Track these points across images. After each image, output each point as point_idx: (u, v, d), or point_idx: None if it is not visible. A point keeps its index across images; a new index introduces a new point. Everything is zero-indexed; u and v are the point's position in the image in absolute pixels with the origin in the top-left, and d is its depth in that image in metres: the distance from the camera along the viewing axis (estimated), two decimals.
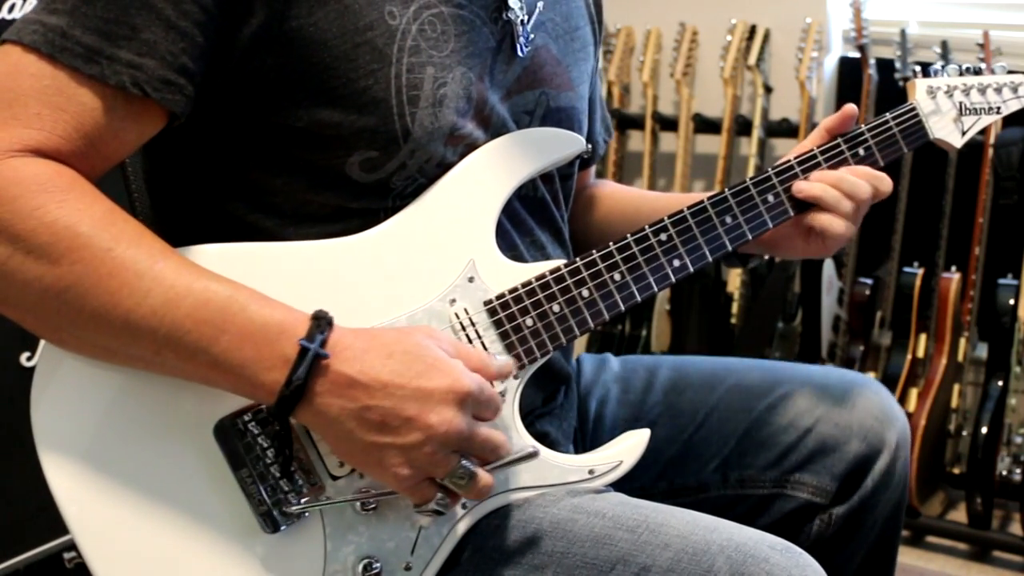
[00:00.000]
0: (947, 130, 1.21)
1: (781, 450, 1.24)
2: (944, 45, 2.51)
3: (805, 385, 1.25)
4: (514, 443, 1.00)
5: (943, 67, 1.23)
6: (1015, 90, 1.24)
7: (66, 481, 0.93)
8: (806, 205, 1.15)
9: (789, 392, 1.25)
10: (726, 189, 1.12)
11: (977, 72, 1.24)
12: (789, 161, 1.15)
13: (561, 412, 1.20)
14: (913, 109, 1.20)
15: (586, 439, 1.27)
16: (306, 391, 0.88)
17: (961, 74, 1.23)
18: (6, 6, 1.62)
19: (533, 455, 0.97)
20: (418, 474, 0.91)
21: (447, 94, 1.01)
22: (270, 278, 0.95)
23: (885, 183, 1.16)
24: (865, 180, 1.14)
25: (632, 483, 1.08)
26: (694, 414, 1.27)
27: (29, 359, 1.66)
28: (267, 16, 0.94)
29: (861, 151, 1.17)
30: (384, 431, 0.89)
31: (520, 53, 1.09)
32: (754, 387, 1.27)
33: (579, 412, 1.28)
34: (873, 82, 2.61)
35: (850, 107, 1.16)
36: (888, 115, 1.19)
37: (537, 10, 1.11)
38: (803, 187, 1.13)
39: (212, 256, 0.95)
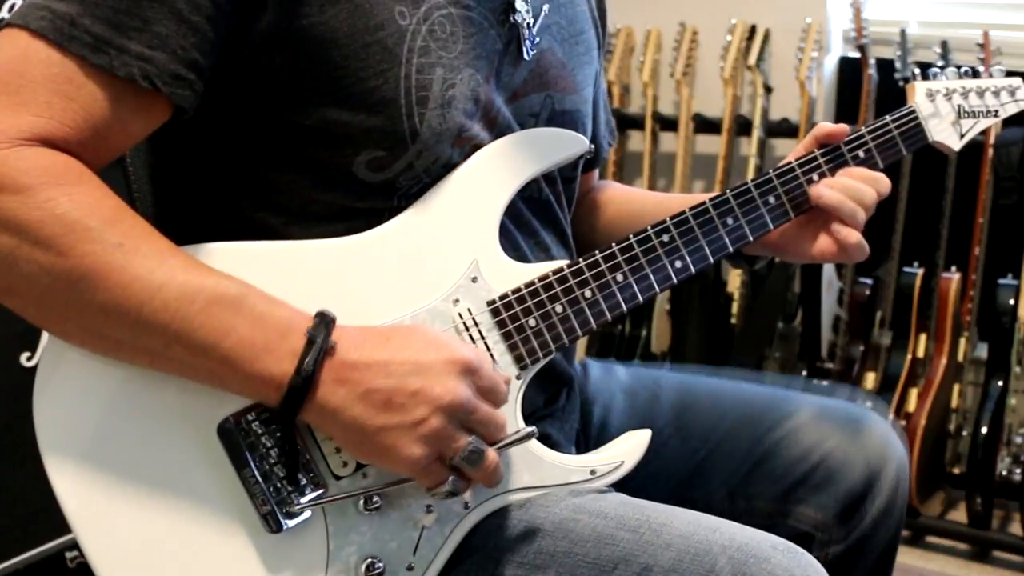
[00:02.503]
0: (946, 133, 1.22)
1: (789, 483, 1.24)
2: (944, 45, 2.51)
3: (813, 419, 1.26)
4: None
5: (942, 69, 1.23)
6: (1013, 93, 1.25)
7: (68, 478, 0.93)
8: (807, 207, 1.15)
9: (798, 425, 1.26)
10: (727, 190, 1.12)
11: (976, 74, 1.24)
12: (790, 163, 1.16)
13: (563, 414, 1.20)
14: (912, 112, 1.20)
15: (589, 444, 1.27)
16: (312, 381, 0.89)
17: (960, 77, 1.23)
18: (6, 6, 1.62)
19: (531, 435, 0.97)
20: (430, 452, 0.91)
21: (455, 95, 1.01)
22: (274, 277, 0.95)
23: (884, 184, 1.17)
24: (866, 184, 1.15)
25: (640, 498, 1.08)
26: (705, 438, 1.28)
27: (29, 359, 1.66)
28: (278, 13, 0.94)
29: (861, 153, 1.17)
30: (390, 410, 0.89)
31: (526, 56, 1.09)
32: (764, 417, 1.28)
33: (583, 416, 1.28)
34: (873, 82, 2.61)
35: (843, 127, 1.17)
36: (888, 117, 1.20)
37: (543, 13, 1.11)
38: (823, 194, 1.14)
39: (216, 254, 0.95)
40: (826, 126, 1.18)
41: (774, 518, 1.25)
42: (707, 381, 1.35)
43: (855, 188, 1.14)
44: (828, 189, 1.14)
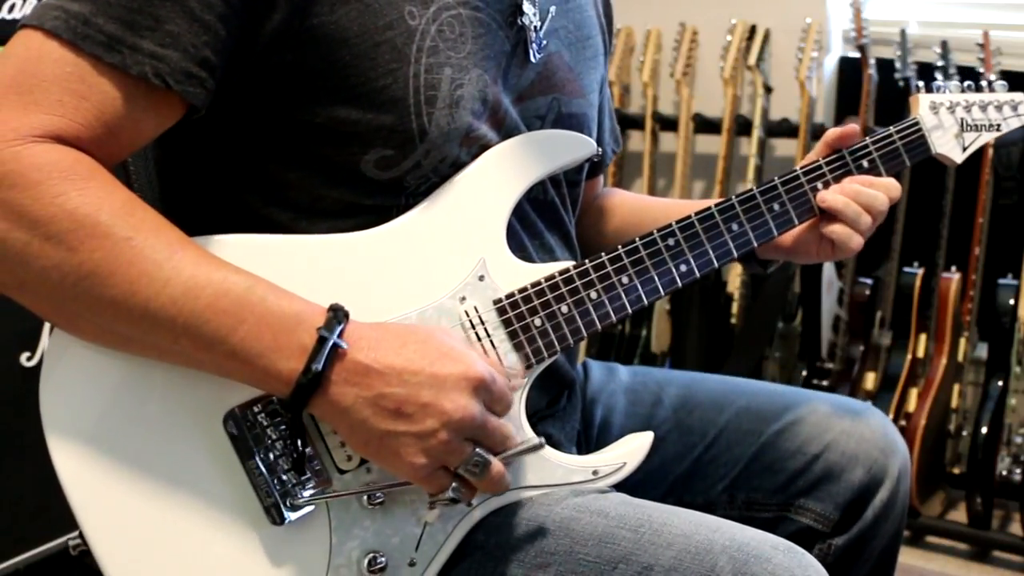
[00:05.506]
0: (948, 145, 1.24)
1: (788, 475, 1.25)
2: (944, 45, 2.52)
3: (813, 412, 1.27)
4: None
5: (945, 81, 1.26)
6: (1015, 108, 1.27)
7: (73, 467, 0.93)
8: (812, 215, 1.16)
9: (798, 418, 1.26)
10: (733, 197, 1.13)
11: (978, 85, 1.26)
12: (795, 171, 1.17)
13: (564, 415, 1.20)
14: (916, 123, 1.22)
15: (590, 444, 1.27)
16: (322, 380, 0.89)
17: (963, 91, 1.25)
18: (6, 6, 1.62)
19: (539, 446, 0.98)
20: (433, 463, 0.91)
21: (464, 95, 1.02)
22: (283, 270, 0.95)
23: (895, 189, 1.18)
24: (876, 189, 1.16)
25: (639, 497, 1.08)
26: (704, 433, 1.28)
27: (29, 359, 1.66)
28: (289, 12, 0.95)
29: (865, 163, 1.19)
30: (399, 418, 0.90)
31: (533, 59, 1.10)
32: (763, 410, 1.28)
33: (584, 417, 1.28)
34: (873, 82, 2.62)
35: (852, 127, 1.18)
36: (892, 128, 1.21)
37: (549, 16, 1.12)
38: (826, 197, 1.15)
39: (227, 247, 0.96)
40: (835, 131, 1.18)
41: (775, 512, 1.25)
42: (709, 379, 1.36)
43: (863, 193, 1.15)
44: (833, 193, 1.15)
